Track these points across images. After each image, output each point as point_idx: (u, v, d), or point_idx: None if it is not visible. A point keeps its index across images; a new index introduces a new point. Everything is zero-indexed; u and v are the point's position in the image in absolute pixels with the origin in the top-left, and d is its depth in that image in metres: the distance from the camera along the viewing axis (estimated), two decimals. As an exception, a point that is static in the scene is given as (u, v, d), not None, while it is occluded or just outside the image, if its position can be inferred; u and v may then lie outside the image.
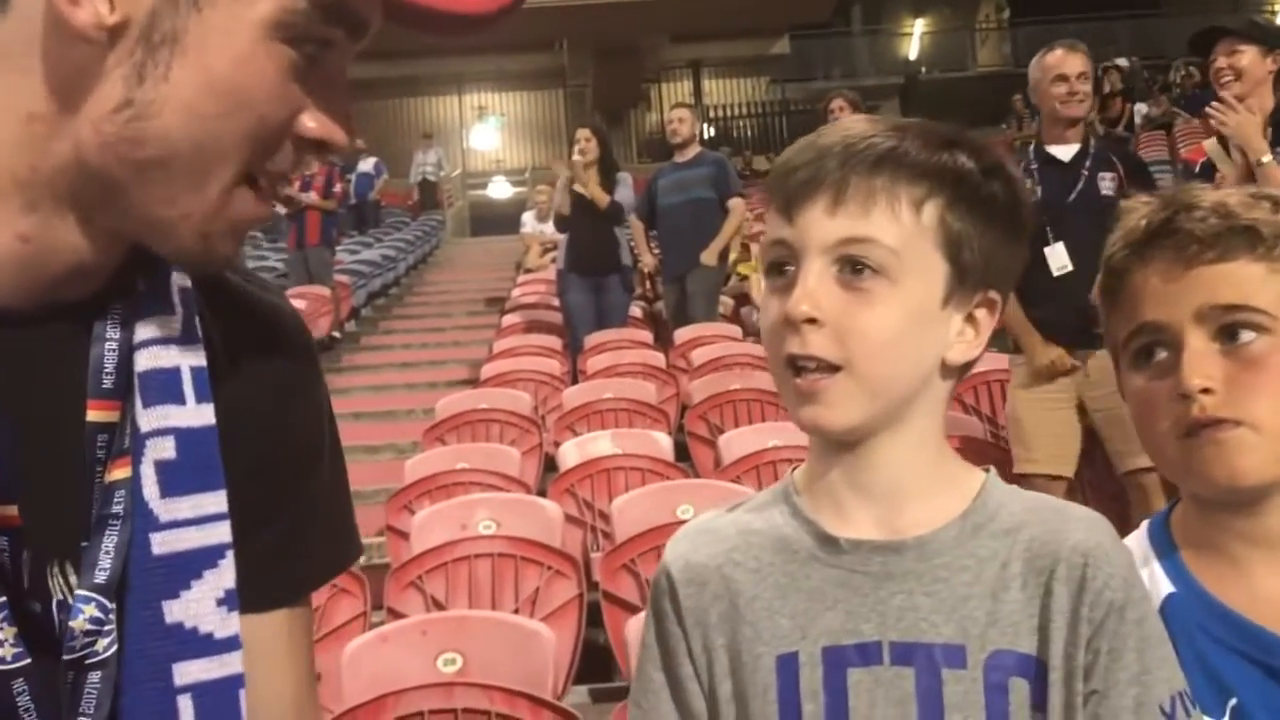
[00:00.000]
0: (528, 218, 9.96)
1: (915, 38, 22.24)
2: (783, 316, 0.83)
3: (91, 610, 0.68)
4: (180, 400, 0.71)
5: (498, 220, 15.44)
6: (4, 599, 0.65)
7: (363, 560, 3.91)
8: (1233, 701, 0.90)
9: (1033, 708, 0.82)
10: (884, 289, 0.83)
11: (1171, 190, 0.98)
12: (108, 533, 0.69)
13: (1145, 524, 1.01)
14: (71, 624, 0.68)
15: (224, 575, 0.72)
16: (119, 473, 0.70)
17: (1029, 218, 0.89)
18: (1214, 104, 3.26)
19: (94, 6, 0.63)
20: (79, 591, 0.68)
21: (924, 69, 21.19)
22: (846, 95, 6.01)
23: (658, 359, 6.04)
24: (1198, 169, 3.50)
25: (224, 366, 0.75)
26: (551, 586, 3.11)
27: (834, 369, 0.83)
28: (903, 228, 0.83)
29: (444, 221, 14.77)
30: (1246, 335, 0.91)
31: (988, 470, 0.90)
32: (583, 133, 6.33)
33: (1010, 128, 13.99)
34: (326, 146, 0.70)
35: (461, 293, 10.52)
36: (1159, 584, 0.95)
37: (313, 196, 8.59)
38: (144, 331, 0.71)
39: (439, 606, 3.07)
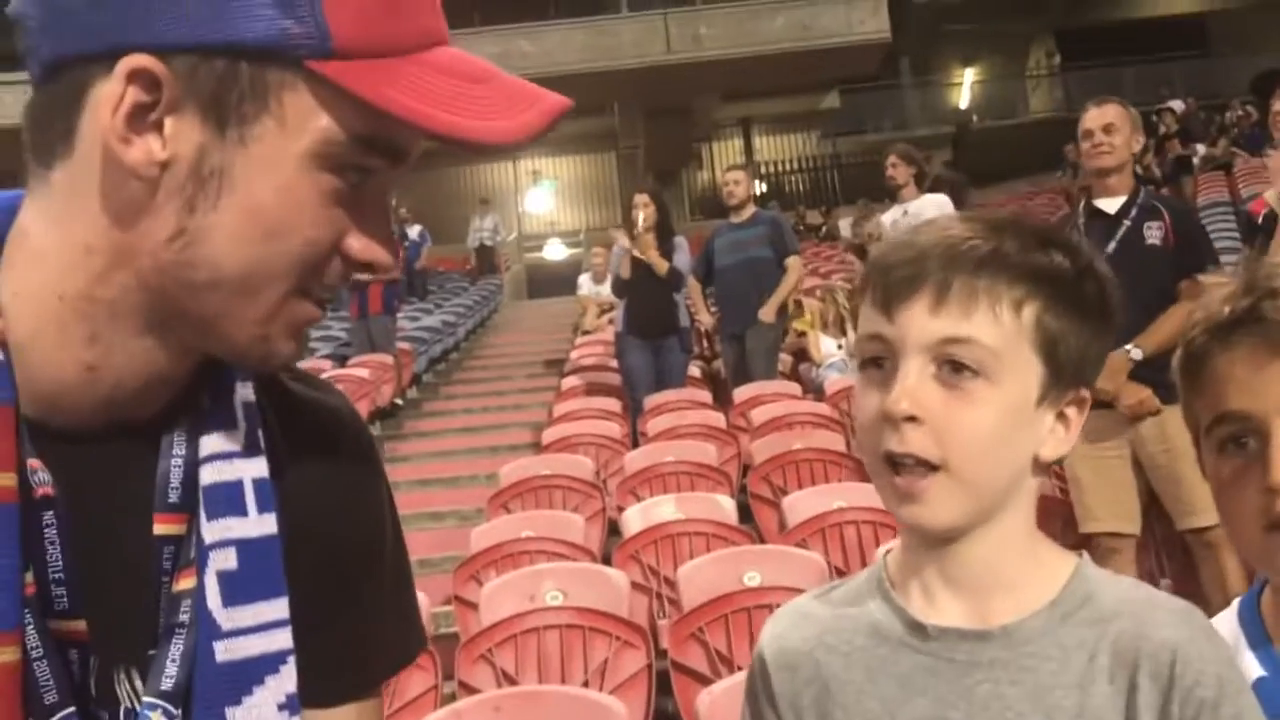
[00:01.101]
0: (584, 280, 10.06)
1: (966, 87, 22.27)
2: (882, 413, 0.84)
3: (158, 717, 0.71)
4: (242, 512, 0.74)
5: (553, 282, 15.63)
6: (73, 709, 0.68)
7: (432, 629, 3.94)
8: None
9: None
10: (983, 389, 0.84)
11: (1253, 269, 0.95)
12: (174, 641, 0.72)
13: (1236, 604, 0.99)
14: None
15: (285, 680, 0.74)
16: (185, 583, 0.73)
17: (1118, 315, 0.90)
18: (1269, 156, 3.25)
19: (146, 145, 0.67)
20: (146, 699, 0.71)
21: (975, 117, 21.19)
22: (900, 150, 6.03)
23: (718, 419, 6.05)
24: (1260, 220, 3.47)
25: (287, 474, 0.78)
26: (620, 657, 3.11)
27: (932, 468, 0.84)
28: (1003, 329, 0.84)
29: (501, 285, 14.96)
30: None
31: (1080, 555, 0.90)
32: (640, 198, 6.41)
33: (1065, 175, 13.91)
34: (371, 266, 0.73)
35: (521, 355, 10.62)
36: (1248, 669, 0.93)
37: (374, 267, 8.75)
38: (208, 446, 0.74)
39: (509, 679, 3.08)
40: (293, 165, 0.68)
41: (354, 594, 0.82)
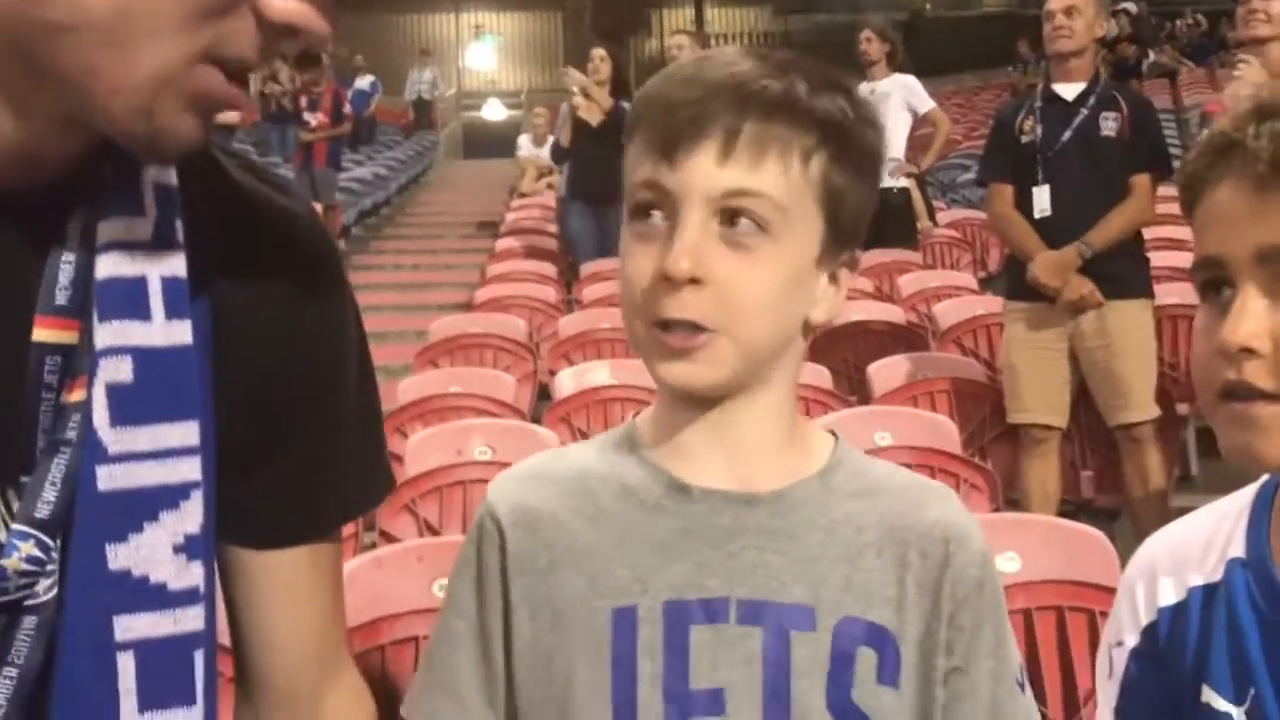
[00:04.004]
0: (524, 141, 9.82)
1: (922, -27, 21.88)
2: (659, 273, 0.77)
3: (29, 548, 0.60)
4: (144, 315, 0.62)
5: (491, 143, 15.28)
6: None
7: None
8: (1253, 691, 0.82)
9: (878, 680, 0.80)
10: (768, 248, 0.78)
11: (1274, 87, 0.81)
12: (55, 461, 0.61)
13: (1267, 476, 0.89)
14: (3, 562, 0.60)
15: (187, 518, 0.64)
16: (75, 395, 0.62)
17: (882, 174, 0.86)
18: (1240, 57, 3.20)
19: None
20: (15, 526, 0.61)
21: (929, 6, 20.89)
22: (875, 25, 5.86)
23: (654, 290, 5.99)
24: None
25: (224, 279, 0.67)
26: (546, 515, 3.08)
27: (707, 330, 0.78)
28: (791, 183, 0.78)
29: (437, 142, 14.60)
30: None
31: (836, 436, 0.87)
32: (598, 52, 6.27)
33: (1015, 70, 13.83)
34: (299, 33, 0.58)
35: (455, 215, 10.42)
36: (1233, 547, 0.87)
37: (320, 118, 8.53)
38: (106, 234, 0.62)
39: (432, 531, 3.05)
40: None
41: (307, 424, 0.72)
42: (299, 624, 0.76)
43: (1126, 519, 3.69)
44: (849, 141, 0.80)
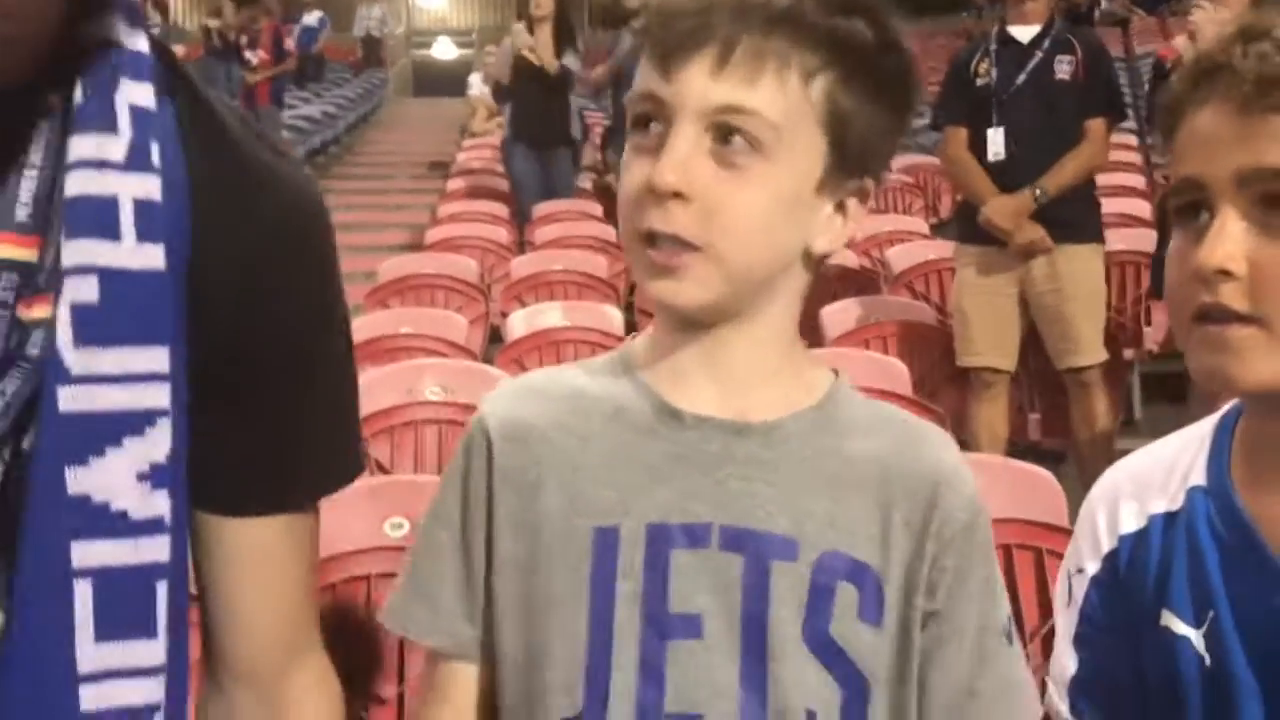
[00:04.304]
0: (475, 80, 9.67)
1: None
2: (647, 184, 0.76)
3: None
4: (114, 235, 0.62)
5: (441, 81, 15.04)
6: None
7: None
8: (1211, 614, 0.83)
9: (858, 616, 0.79)
10: (759, 167, 0.76)
11: (1259, 12, 0.80)
12: (9, 376, 0.60)
13: (1228, 406, 0.89)
14: None
15: (153, 446, 0.63)
16: (38, 311, 0.61)
17: (916, 102, 0.83)
18: (1195, 2, 3.21)
19: None
20: None
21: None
22: None
23: (608, 232, 5.92)
24: (1169, 66, 3.45)
25: (207, 211, 0.66)
26: (499, 455, 3.07)
27: (693, 247, 0.77)
28: (788, 101, 0.76)
29: (386, 80, 14.34)
30: None
31: (836, 372, 0.86)
32: None
33: (970, 16, 13.80)
34: None
35: (404, 155, 10.26)
36: (1194, 475, 0.87)
37: (262, 55, 8.33)
38: (77, 151, 0.61)
39: (383, 470, 3.03)
40: None
41: (279, 379, 0.71)
42: (265, 599, 0.74)
43: (1072, 462, 3.76)
44: (863, 64, 0.77)
